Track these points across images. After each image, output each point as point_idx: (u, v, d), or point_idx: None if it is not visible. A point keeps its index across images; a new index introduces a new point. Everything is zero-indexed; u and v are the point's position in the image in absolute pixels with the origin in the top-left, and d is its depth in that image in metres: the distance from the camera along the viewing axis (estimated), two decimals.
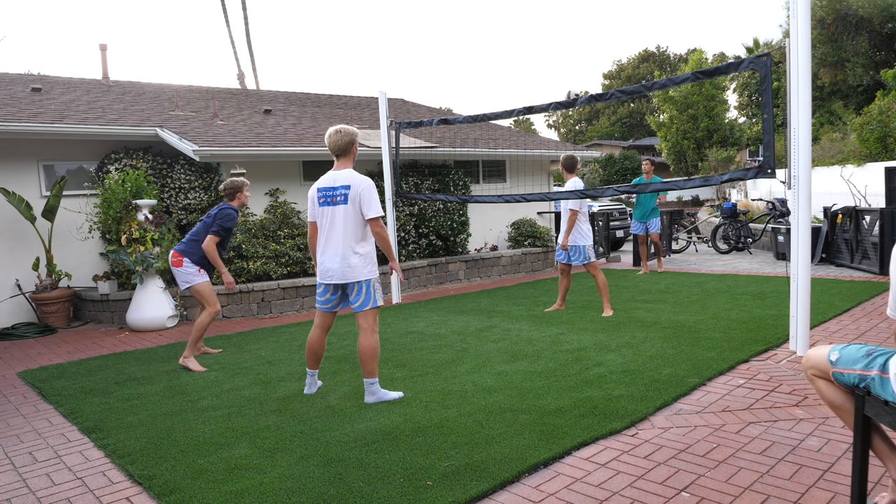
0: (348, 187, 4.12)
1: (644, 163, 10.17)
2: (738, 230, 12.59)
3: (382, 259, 9.55)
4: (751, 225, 12.97)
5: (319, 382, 4.57)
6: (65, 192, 8.08)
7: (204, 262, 5.45)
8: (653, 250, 10.65)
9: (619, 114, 52.59)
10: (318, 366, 4.48)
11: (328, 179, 4.22)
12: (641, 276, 9.87)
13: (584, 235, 6.97)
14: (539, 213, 12.52)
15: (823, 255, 10.13)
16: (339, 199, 4.14)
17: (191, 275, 5.42)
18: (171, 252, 5.46)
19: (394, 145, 8.54)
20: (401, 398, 4.25)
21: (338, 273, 4.15)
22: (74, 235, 8.29)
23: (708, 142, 29.03)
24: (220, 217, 5.39)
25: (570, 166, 6.99)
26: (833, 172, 14.33)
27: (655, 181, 9.60)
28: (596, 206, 14.35)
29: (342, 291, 4.29)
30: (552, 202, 12.69)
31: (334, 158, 4.28)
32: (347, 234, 4.13)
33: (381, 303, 4.26)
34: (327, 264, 4.19)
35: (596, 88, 60.87)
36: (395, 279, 8.57)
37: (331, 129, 4.25)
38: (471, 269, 10.53)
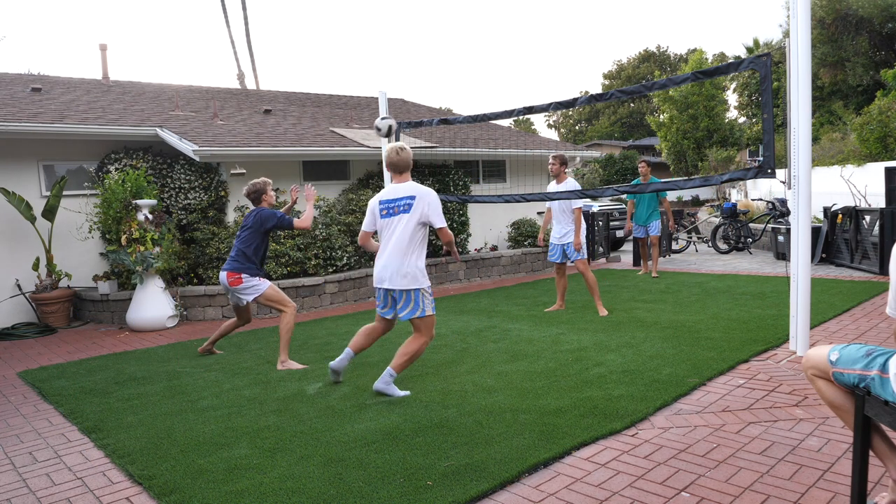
0: (413, 198, 4.32)
1: (640, 165, 9.45)
2: (738, 230, 12.59)
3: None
4: (751, 225, 12.97)
5: (344, 365, 4.64)
6: (65, 192, 8.08)
7: (260, 271, 5.42)
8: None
9: (619, 114, 52.59)
10: (358, 352, 4.62)
11: (390, 192, 4.42)
12: (641, 276, 9.85)
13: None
14: (539, 213, 12.51)
15: (823, 255, 10.13)
16: (400, 209, 4.33)
17: (254, 287, 5.34)
18: (226, 273, 5.31)
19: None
20: (406, 396, 4.29)
21: (387, 280, 4.33)
22: (74, 235, 8.29)
23: (708, 142, 29.04)
24: (266, 218, 5.34)
25: (565, 161, 7.06)
26: (833, 172, 14.34)
27: (653, 182, 9.32)
28: (596, 206, 14.34)
29: (392, 298, 4.39)
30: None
31: (394, 174, 4.45)
32: (405, 243, 4.29)
33: (430, 312, 4.33)
34: (380, 272, 4.37)
35: (596, 88, 60.85)
36: None
37: (395, 146, 4.41)
38: (471, 269, 10.53)
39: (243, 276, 5.30)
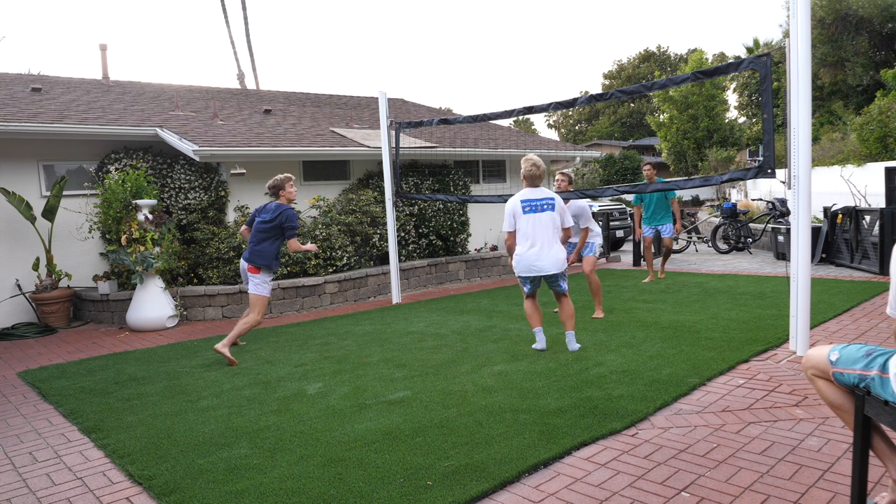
0: (553, 199, 5.23)
1: (645, 168, 8.88)
2: (738, 230, 12.59)
3: (384, 259, 9.55)
4: (751, 225, 12.97)
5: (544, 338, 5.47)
6: (65, 192, 8.08)
7: (275, 271, 5.82)
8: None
9: (619, 114, 52.61)
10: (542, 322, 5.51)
11: (529, 193, 5.29)
12: (646, 283, 9.05)
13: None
14: None
15: (823, 255, 10.13)
16: (544, 207, 5.20)
17: (264, 284, 5.69)
18: (247, 265, 5.69)
19: (394, 145, 8.54)
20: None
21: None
22: (74, 235, 8.29)
23: (708, 142, 29.05)
24: (288, 219, 5.72)
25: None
26: (833, 172, 14.34)
27: (653, 182, 8.54)
28: (596, 206, 14.35)
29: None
30: None
31: (532, 184, 5.29)
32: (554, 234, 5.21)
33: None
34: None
35: (596, 88, 60.87)
36: (395, 279, 8.57)
37: (535, 159, 5.27)
38: (471, 269, 10.53)
39: (262, 271, 5.68)
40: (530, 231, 5.16)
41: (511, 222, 5.27)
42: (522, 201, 5.23)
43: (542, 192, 5.26)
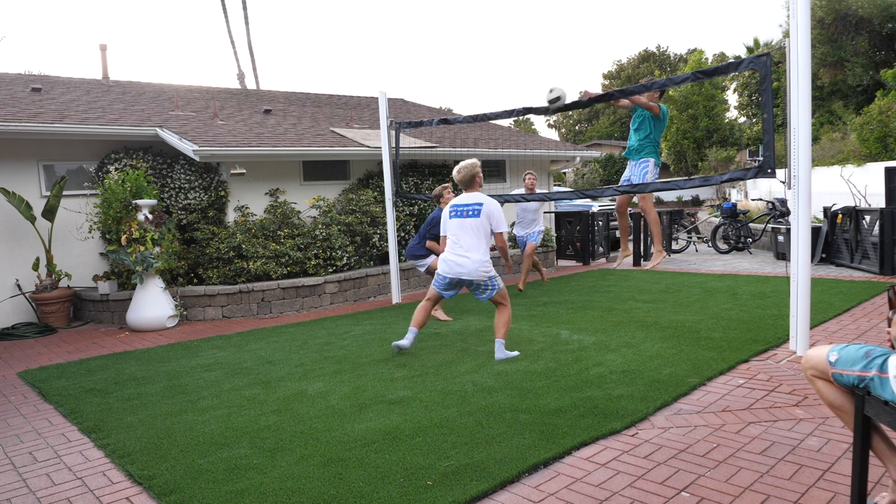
0: (481, 204, 5.25)
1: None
2: (738, 230, 12.59)
3: (384, 259, 9.55)
4: (751, 225, 12.97)
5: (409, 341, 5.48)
6: (65, 192, 8.08)
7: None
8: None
9: (619, 114, 52.47)
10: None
11: (460, 199, 5.40)
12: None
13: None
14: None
15: (823, 255, 10.13)
16: (469, 212, 5.26)
17: (422, 263, 7.38)
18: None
19: (394, 145, 8.54)
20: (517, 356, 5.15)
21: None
22: (74, 235, 8.29)
23: (708, 142, 29.06)
24: (430, 221, 7.12)
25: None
26: (833, 172, 14.34)
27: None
28: (596, 207, 14.35)
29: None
30: (552, 202, 12.70)
31: (465, 189, 5.43)
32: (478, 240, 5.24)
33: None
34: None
35: (596, 88, 60.79)
36: (395, 279, 8.57)
37: (462, 164, 5.38)
38: None
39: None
40: (454, 235, 5.25)
41: (442, 227, 5.43)
42: (451, 206, 5.37)
43: (474, 196, 5.32)
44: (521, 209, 9.03)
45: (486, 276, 5.18)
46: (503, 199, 7.38)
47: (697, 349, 5.14)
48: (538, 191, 9.50)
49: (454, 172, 5.45)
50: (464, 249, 5.16)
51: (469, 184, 5.42)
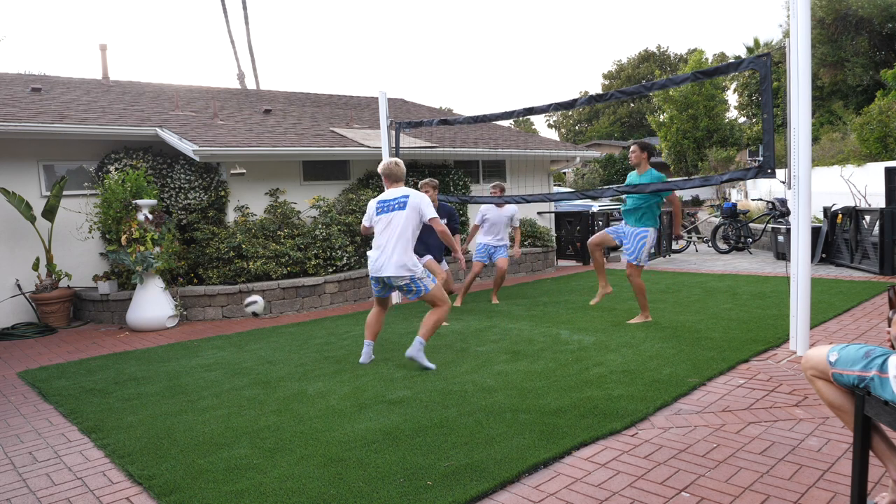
0: (407, 196, 5.06)
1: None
2: (738, 230, 12.59)
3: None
4: (751, 225, 12.98)
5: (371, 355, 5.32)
6: (65, 192, 8.08)
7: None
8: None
9: (618, 114, 52.57)
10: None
11: (386, 194, 5.17)
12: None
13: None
14: (539, 214, 12.52)
15: (823, 255, 10.13)
16: (394, 206, 5.04)
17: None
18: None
19: (394, 145, 8.54)
20: (433, 369, 4.93)
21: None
22: (74, 235, 8.29)
23: (708, 142, 29.04)
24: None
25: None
26: (833, 172, 14.35)
27: (651, 177, 6.41)
28: (596, 207, 14.35)
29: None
30: (552, 202, 12.70)
31: (390, 183, 5.24)
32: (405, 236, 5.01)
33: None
34: None
35: (596, 88, 60.86)
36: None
37: (393, 161, 5.25)
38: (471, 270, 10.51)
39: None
40: (380, 232, 5.08)
41: (369, 224, 5.26)
42: (378, 202, 5.18)
43: (400, 191, 5.12)
44: (496, 215, 8.01)
45: (409, 274, 4.93)
46: (509, 200, 7.39)
47: (697, 349, 5.14)
48: (538, 191, 9.50)
49: (380, 167, 5.31)
50: (386, 246, 4.97)
51: (396, 178, 5.23)
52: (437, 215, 5.11)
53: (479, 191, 11.56)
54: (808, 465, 3.05)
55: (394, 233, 4.96)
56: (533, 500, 2.85)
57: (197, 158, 7.93)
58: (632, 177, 6.37)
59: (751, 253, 12.40)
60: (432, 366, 4.97)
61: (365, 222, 5.29)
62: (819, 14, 25.08)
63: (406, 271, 4.92)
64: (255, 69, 19.67)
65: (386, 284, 5.08)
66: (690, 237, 14.01)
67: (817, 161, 17.05)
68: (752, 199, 16.77)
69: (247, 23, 19.91)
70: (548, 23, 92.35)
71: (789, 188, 4.85)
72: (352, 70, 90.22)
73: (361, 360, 5.24)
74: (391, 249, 4.94)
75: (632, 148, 6.29)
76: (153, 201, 7.54)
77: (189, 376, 5.15)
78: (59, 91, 10.17)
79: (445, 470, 3.10)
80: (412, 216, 5.00)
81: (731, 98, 35.95)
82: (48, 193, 8.12)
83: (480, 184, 11.85)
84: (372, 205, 5.23)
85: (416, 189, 6.84)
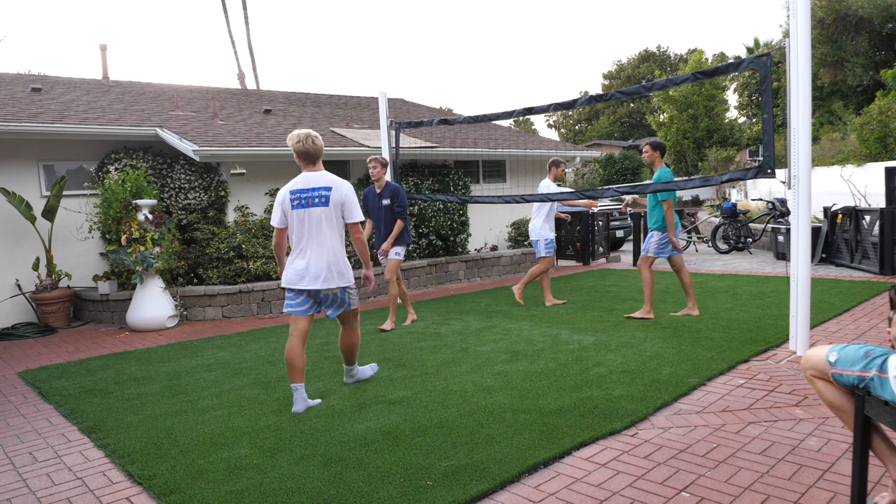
0: (329, 188, 4.10)
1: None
2: (738, 230, 12.59)
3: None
4: (751, 225, 12.98)
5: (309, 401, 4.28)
6: (65, 192, 8.08)
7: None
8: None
9: (618, 114, 52.57)
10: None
11: (302, 181, 4.13)
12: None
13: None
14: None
15: (823, 255, 10.13)
16: (315, 200, 4.07)
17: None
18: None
19: (394, 145, 8.54)
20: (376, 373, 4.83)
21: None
22: (74, 235, 8.29)
23: (708, 142, 29.04)
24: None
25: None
26: (833, 172, 14.35)
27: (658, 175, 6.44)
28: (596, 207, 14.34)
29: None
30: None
31: (307, 165, 4.18)
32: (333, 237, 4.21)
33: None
34: None
35: (596, 88, 60.89)
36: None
37: (310, 133, 4.13)
38: (471, 269, 10.53)
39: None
40: (297, 230, 4.09)
41: (279, 217, 4.12)
42: (291, 192, 4.09)
43: (320, 178, 4.09)
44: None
45: (344, 284, 4.15)
46: (508, 200, 7.38)
47: (697, 349, 5.14)
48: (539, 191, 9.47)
49: (290, 138, 4.11)
50: (308, 250, 4.06)
51: (313, 158, 4.12)
52: (361, 219, 4.21)
53: (479, 190, 11.56)
54: (808, 465, 3.05)
55: (319, 231, 4.06)
56: (533, 500, 2.85)
57: (197, 158, 7.93)
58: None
59: (751, 253, 12.40)
60: (373, 369, 4.85)
61: (277, 223, 4.13)
62: (819, 14, 25.08)
63: (343, 283, 4.15)
64: (255, 69, 19.70)
65: (313, 299, 4.19)
66: (690, 237, 14.01)
67: (817, 161, 17.05)
68: (752, 199, 16.76)
69: (247, 23, 19.93)
70: (548, 23, 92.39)
71: (789, 188, 4.85)
72: (352, 70, 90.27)
73: (296, 408, 4.07)
74: (318, 254, 4.06)
75: (644, 147, 6.50)
76: (153, 201, 7.55)
77: (189, 376, 5.15)
78: (59, 91, 10.17)
79: (445, 470, 3.10)
80: (335, 215, 4.11)
81: (731, 98, 35.98)
82: (48, 193, 8.12)
83: (480, 184, 11.85)
84: (284, 196, 4.11)
85: (368, 168, 6.36)
